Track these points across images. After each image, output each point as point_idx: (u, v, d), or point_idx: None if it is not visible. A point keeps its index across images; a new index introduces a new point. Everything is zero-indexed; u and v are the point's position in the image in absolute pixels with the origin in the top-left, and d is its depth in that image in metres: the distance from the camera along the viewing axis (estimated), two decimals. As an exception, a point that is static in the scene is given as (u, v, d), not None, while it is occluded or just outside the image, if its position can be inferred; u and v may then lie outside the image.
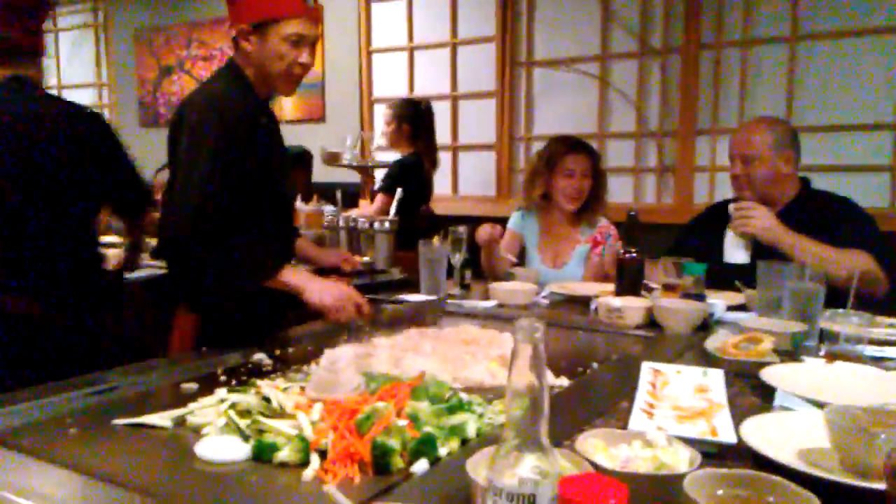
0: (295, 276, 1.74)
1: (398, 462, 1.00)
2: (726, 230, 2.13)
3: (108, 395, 1.33)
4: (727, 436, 1.07)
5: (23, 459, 1.01)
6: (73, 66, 5.49)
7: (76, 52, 5.46)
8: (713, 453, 1.02)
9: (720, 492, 0.84)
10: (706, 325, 1.84)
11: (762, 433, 1.05)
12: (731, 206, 2.15)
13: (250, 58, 1.75)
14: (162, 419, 1.17)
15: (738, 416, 1.14)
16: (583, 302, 2.14)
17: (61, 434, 1.14)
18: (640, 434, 0.99)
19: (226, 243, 1.65)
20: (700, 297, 1.89)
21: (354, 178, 4.24)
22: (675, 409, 1.20)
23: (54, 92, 5.59)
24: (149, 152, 3.92)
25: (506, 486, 0.71)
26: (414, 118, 3.41)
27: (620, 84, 3.51)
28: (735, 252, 2.07)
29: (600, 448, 0.95)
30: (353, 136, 3.67)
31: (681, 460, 0.92)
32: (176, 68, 4.84)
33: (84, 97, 5.49)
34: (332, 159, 3.60)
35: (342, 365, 1.21)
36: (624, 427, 1.10)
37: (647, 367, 1.39)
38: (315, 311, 1.73)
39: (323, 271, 2.15)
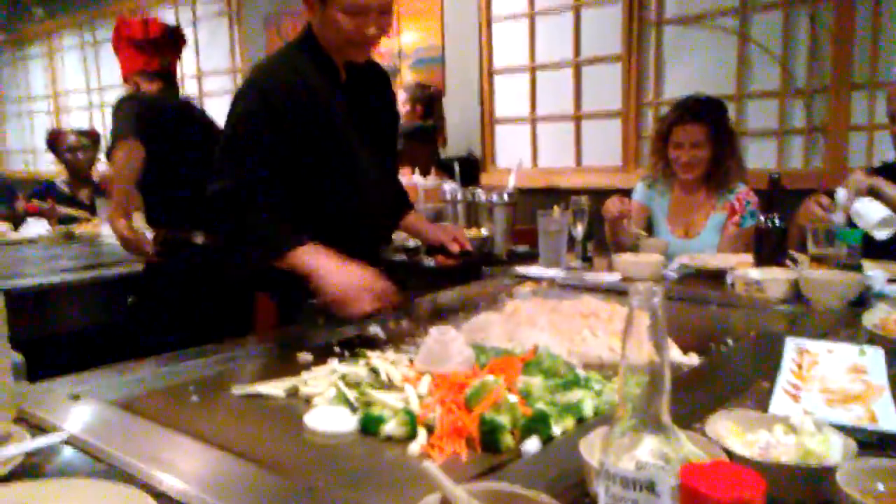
0: (306, 258, 1.52)
1: (508, 440, 0.94)
2: (853, 198, 1.84)
3: (230, 364, 1.37)
4: (889, 423, 0.92)
5: (146, 425, 1.04)
6: (210, 54, 5.79)
7: (212, 40, 5.75)
8: (871, 442, 0.88)
9: (881, 486, 0.72)
10: (863, 300, 1.63)
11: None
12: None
13: (314, 24, 1.65)
14: (275, 388, 1.17)
15: (903, 401, 0.98)
16: (717, 275, 1.97)
17: (183, 401, 1.17)
18: (783, 418, 0.87)
19: (246, 217, 1.57)
20: (856, 268, 1.68)
21: (475, 150, 4.20)
22: (825, 392, 1.06)
23: (194, 80, 5.95)
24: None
25: (621, 471, 0.63)
26: (424, 100, 3.72)
27: (762, 38, 3.20)
28: (881, 227, 1.79)
29: (735, 432, 0.84)
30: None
31: (832, 449, 0.80)
32: (303, 51, 4.99)
33: (220, 84, 5.80)
34: None
35: (452, 336, 1.17)
36: (763, 410, 0.97)
37: (791, 344, 1.24)
38: (325, 300, 1.52)
39: (432, 250, 2.05)
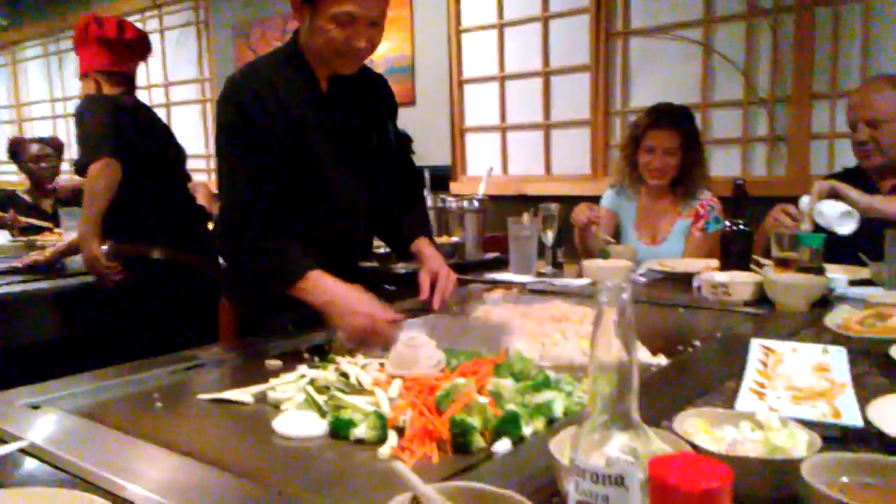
0: (320, 293, 1.46)
1: (479, 441, 0.94)
2: (815, 201, 1.87)
3: (195, 371, 1.35)
4: (851, 418, 0.94)
5: (110, 433, 1.02)
6: (178, 64, 5.73)
7: (180, 50, 5.69)
8: (835, 437, 0.90)
9: (845, 479, 0.73)
10: (825, 302, 1.67)
11: (893, 415, 0.91)
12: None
13: (302, 31, 1.58)
14: (244, 394, 1.16)
15: (864, 397, 1.01)
16: (684, 279, 2.00)
17: (147, 408, 1.15)
18: (749, 415, 0.88)
19: (258, 244, 1.51)
20: (819, 271, 1.72)
21: (444, 160, 4.21)
22: (790, 390, 1.08)
23: (161, 89, 5.87)
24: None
25: (590, 467, 0.63)
26: None
27: (726, 49, 3.27)
28: (842, 221, 1.83)
29: (702, 428, 0.85)
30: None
31: (798, 444, 0.81)
32: (272, 60, 4.96)
33: (188, 93, 5.73)
34: None
35: (422, 340, 1.16)
36: (730, 408, 0.99)
37: (757, 345, 1.26)
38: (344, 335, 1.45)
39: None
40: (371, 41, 1.54)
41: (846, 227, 1.80)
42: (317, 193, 1.61)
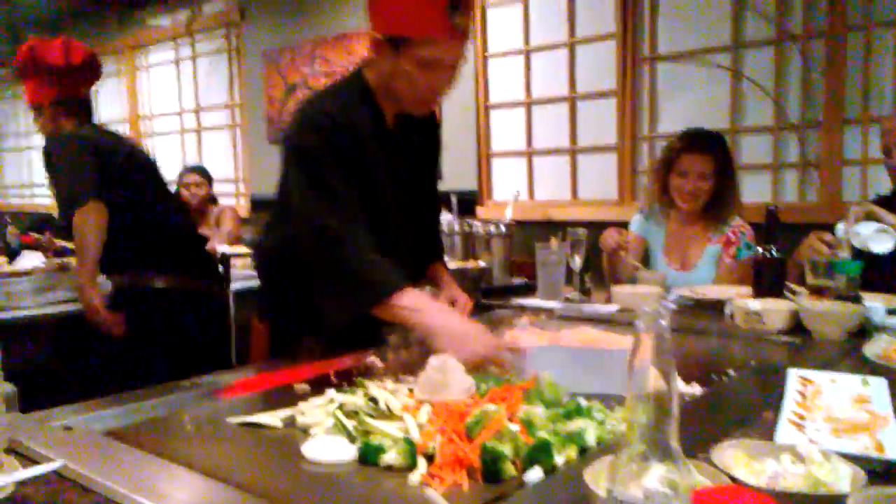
0: (422, 313, 1.41)
1: (510, 469, 0.92)
2: (854, 222, 1.84)
3: (225, 395, 1.35)
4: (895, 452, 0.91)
5: (140, 455, 1.02)
6: (210, 90, 5.85)
7: (212, 76, 5.81)
8: (879, 472, 0.87)
9: (894, 517, 0.70)
10: (863, 331, 1.63)
11: (941, 450, 0.89)
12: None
13: (380, 69, 1.54)
14: (273, 418, 1.16)
15: (909, 430, 0.97)
16: (715, 306, 1.97)
17: (178, 431, 1.15)
18: (790, 447, 0.86)
19: (353, 259, 1.46)
20: (855, 299, 1.68)
21: (471, 184, 4.22)
22: (829, 422, 1.05)
23: (193, 115, 5.98)
24: (276, 168, 4.10)
25: (629, 499, 0.61)
26: None
27: (755, 74, 3.25)
28: (878, 239, 1.78)
29: (742, 461, 0.83)
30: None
31: (841, 478, 0.79)
32: (300, 85, 5.03)
33: (219, 119, 5.84)
34: None
35: (452, 365, 1.15)
36: (769, 440, 0.96)
37: (794, 375, 1.23)
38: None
39: None
40: (450, 83, 1.53)
41: (883, 246, 1.76)
42: (374, 227, 1.56)
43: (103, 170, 2.36)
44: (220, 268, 2.76)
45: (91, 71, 2.59)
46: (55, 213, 4.17)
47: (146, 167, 2.63)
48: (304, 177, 1.52)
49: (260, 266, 1.86)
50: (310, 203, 1.51)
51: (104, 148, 2.47)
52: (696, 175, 2.43)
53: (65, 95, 2.49)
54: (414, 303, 1.43)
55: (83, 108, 2.57)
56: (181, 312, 2.48)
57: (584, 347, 1.47)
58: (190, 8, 5.17)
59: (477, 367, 1.30)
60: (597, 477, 0.77)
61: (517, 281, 2.60)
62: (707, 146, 2.46)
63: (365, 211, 1.55)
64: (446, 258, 2.68)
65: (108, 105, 6.78)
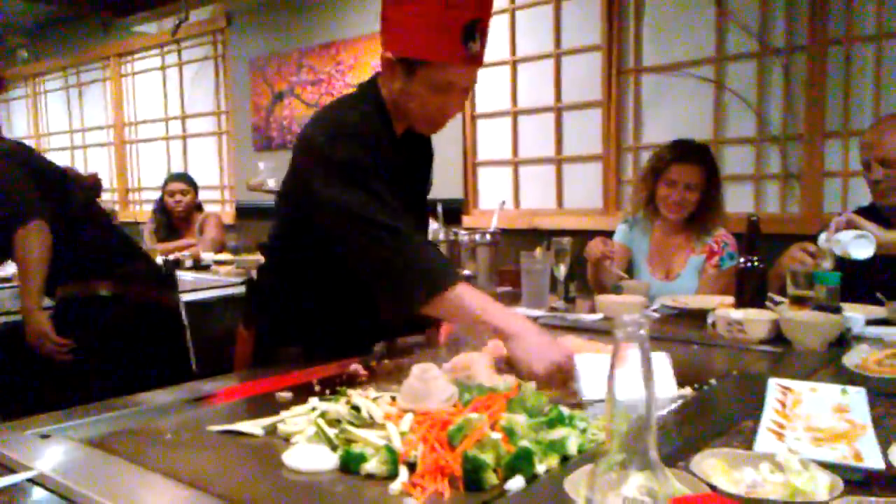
0: (489, 314, 1.39)
1: (491, 478, 0.92)
2: (835, 230, 1.86)
3: (205, 403, 1.34)
4: (873, 461, 0.92)
5: (119, 463, 1.01)
6: (196, 97, 5.82)
7: (198, 84, 5.79)
8: (857, 480, 0.88)
9: (870, 526, 0.71)
10: (842, 341, 1.64)
11: (918, 459, 0.90)
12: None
13: (392, 88, 1.54)
14: (254, 427, 1.15)
15: (885, 439, 0.98)
16: (698, 315, 1.98)
17: (157, 439, 1.14)
18: (769, 456, 0.87)
19: (403, 252, 1.44)
20: (835, 310, 1.70)
21: (457, 193, 4.22)
22: (809, 431, 1.06)
23: (179, 122, 5.95)
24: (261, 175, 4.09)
25: (607, 508, 0.61)
26: None
27: (738, 87, 3.28)
28: (858, 245, 1.80)
29: (721, 470, 0.83)
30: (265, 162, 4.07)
31: (819, 487, 0.80)
32: (287, 93, 5.02)
33: (205, 125, 5.82)
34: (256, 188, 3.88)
35: (435, 374, 1.15)
36: (748, 449, 0.97)
37: (774, 384, 1.24)
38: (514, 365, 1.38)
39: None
40: (461, 106, 1.55)
41: (863, 252, 1.77)
42: None
43: (39, 184, 2.28)
44: (167, 277, 2.67)
45: None
46: None
47: (68, 180, 2.53)
48: (348, 186, 1.47)
49: (270, 273, 1.81)
50: (360, 207, 1.46)
51: (36, 162, 2.40)
52: (683, 185, 2.45)
53: None
54: (478, 301, 1.41)
55: None
56: (129, 319, 2.38)
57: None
58: (177, 15, 5.15)
59: (550, 378, 1.29)
60: (576, 485, 0.77)
61: (502, 289, 2.60)
62: (696, 157, 2.49)
63: None
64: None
65: (93, 112, 6.75)
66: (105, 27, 6.15)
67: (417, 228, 1.76)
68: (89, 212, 2.53)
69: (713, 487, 0.78)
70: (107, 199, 6.68)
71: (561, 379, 1.32)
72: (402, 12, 1.47)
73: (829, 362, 1.49)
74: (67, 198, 2.41)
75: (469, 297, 1.42)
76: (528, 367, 1.33)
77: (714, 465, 0.84)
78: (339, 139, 1.50)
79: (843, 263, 1.84)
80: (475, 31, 1.45)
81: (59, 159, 7.15)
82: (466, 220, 4.14)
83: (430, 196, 3.76)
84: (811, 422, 1.10)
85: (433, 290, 1.41)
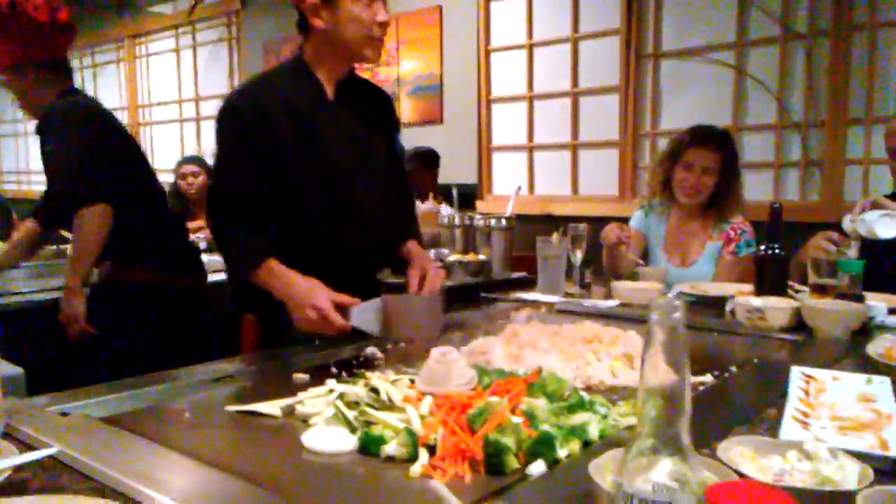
0: (277, 283, 1.53)
1: (513, 462, 0.91)
2: (863, 211, 1.84)
3: (224, 383, 1.34)
4: (902, 451, 0.90)
5: (138, 441, 1.01)
6: (209, 79, 5.82)
7: (212, 66, 5.78)
8: (884, 469, 0.86)
9: (903, 514, 0.70)
10: (865, 330, 1.62)
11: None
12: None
13: (323, 35, 1.62)
14: (272, 408, 1.14)
15: (914, 429, 0.96)
16: (716, 303, 1.96)
17: (175, 419, 1.14)
18: (796, 444, 0.85)
19: (220, 232, 1.63)
20: (858, 298, 1.67)
21: (471, 178, 4.20)
22: (834, 420, 1.04)
23: (192, 104, 5.95)
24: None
25: (637, 493, 0.60)
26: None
27: (759, 73, 3.24)
28: (883, 224, 1.77)
29: (748, 457, 0.82)
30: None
31: (849, 476, 0.78)
32: (301, 76, 5.01)
33: (218, 108, 5.80)
34: None
35: (454, 356, 1.14)
36: (773, 436, 0.95)
37: (797, 372, 1.22)
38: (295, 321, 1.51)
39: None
40: (387, 18, 1.64)
41: (888, 231, 1.75)
42: (331, 194, 1.67)
43: (108, 149, 2.24)
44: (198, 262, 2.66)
45: (72, 31, 2.40)
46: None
47: (139, 151, 2.51)
48: (217, 154, 1.65)
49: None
50: (216, 175, 1.68)
51: (110, 124, 2.34)
52: (700, 169, 2.42)
53: (49, 56, 2.30)
54: (268, 272, 1.54)
55: (67, 74, 2.39)
56: (161, 307, 2.37)
57: (391, 297, 1.59)
58: (191, -4, 5.15)
59: (309, 322, 1.45)
60: (602, 470, 0.76)
61: (517, 275, 2.59)
62: (713, 142, 2.45)
63: (315, 177, 1.64)
64: (447, 250, 2.67)
65: (106, 93, 6.75)
66: (119, 8, 6.14)
67: (392, 195, 1.82)
68: (149, 191, 2.48)
69: (741, 474, 0.77)
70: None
71: (320, 319, 1.44)
72: None
73: (852, 351, 1.47)
74: (134, 175, 2.38)
75: (267, 272, 1.55)
76: (294, 313, 1.49)
77: (742, 453, 0.83)
78: (224, 113, 1.65)
79: (865, 252, 1.81)
80: None
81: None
82: (480, 205, 4.13)
83: (444, 180, 3.74)
84: (836, 411, 1.08)
85: (240, 270, 1.60)
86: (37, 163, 4.50)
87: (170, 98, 6.17)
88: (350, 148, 1.69)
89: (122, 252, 2.33)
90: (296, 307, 1.48)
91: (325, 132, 1.65)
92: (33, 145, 7.73)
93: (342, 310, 1.47)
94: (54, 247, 3.53)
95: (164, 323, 2.37)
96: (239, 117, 1.61)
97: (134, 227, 2.32)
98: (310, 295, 1.47)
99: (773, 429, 1.00)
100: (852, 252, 1.78)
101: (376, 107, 1.82)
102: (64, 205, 2.24)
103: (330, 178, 1.66)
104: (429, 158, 3.60)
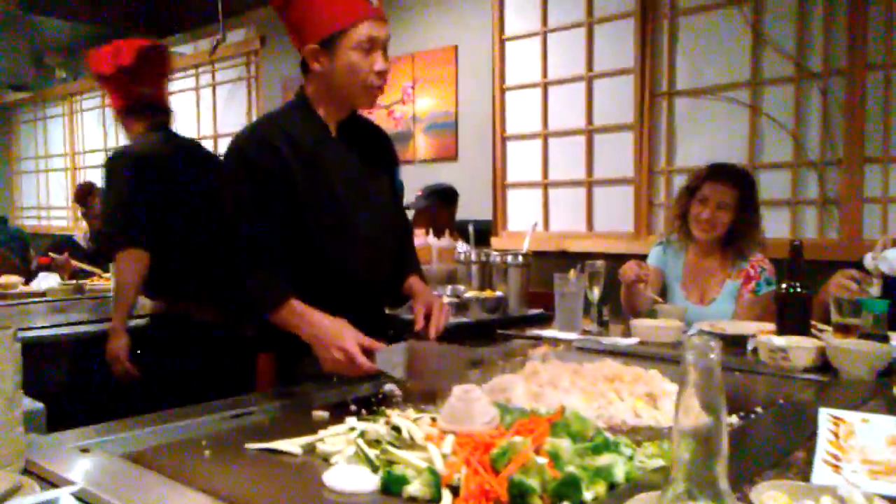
0: (300, 323, 1.52)
1: (538, 504, 0.89)
2: (885, 248, 1.83)
3: (243, 420, 1.33)
4: (938, 497, 0.88)
5: (158, 478, 1.00)
6: (228, 117, 5.91)
7: (230, 104, 5.88)
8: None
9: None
10: (891, 371, 1.59)
11: None
12: None
13: (323, 79, 1.65)
14: (292, 445, 1.14)
15: (950, 474, 0.94)
16: (736, 342, 1.94)
17: (196, 455, 1.13)
18: (830, 488, 0.83)
19: (238, 275, 1.61)
20: (883, 338, 1.65)
21: (486, 214, 4.21)
22: (865, 463, 1.02)
23: (211, 141, 6.04)
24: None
25: (673, 539, 0.59)
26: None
27: (774, 111, 3.25)
28: None
29: (783, 502, 0.80)
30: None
31: (886, 523, 0.76)
32: (318, 114, 5.07)
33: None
34: None
35: (476, 395, 1.13)
36: (805, 480, 0.93)
37: (825, 414, 1.20)
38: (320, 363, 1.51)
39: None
40: (386, 67, 1.65)
41: None
42: (338, 228, 1.68)
43: (157, 188, 2.32)
44: None
45: (152, 67, 2.48)
46: (76, 233, 4.18)
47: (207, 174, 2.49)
48: (228, 197, 1.65)
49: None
50: (232, 218, 1.63)
51: (162, 170, 2.38)
52: (715, 204, 2.42)
53: (129, 101, 2.43)
54: (290, 312, 1.54)
55: (151, 110, 2.47)
56: (205, 344, 2.40)
57: (416, 343, 1.58)
58: (214, 37, 5.24)
59: (335, 363, 1.44)
60: (632, 514, 0.75)
61: (533, 311, 2.57)
62: (731, 178, 2.46)
63: (323, 213, 1.65)
64: (463, 287, 2.67)
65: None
66: (142, 48, 6.27)
67: (396, 230, 1.86)
68: (192, 234, 2.46)
69: (774, 520, 0.75)
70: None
71: (347, 361, 1.43)
72: (305, 3, 1.62)
73: (879, 392, 1.44)
74: (176, 220, 2.40)
75: (289, 313, 1.54)
76: (320, 357, 1.47)
77: (775, 497, 0.81)
78: (231, 154, 1.66)
79: (888, 290, 1.79)
80: None
81: (94, 177, 7.31)
82: (495, 242, 4.13)
83: (459, 216, 3.74)
84: (866, 454, 1.06)
85: (262, 310, 1.59)
86: (56, 198, 4.56)
87: (189, 135, 6.27)
88: (354, 182, 1.72)
89: (162, 291, 2.40)
90: (322, 348, 1.47)
91: (329, 166, 1.68)
92: (53, 181, 7.89)
93: (368, 352, 1.45)
94: (74, 281, 3.56)
95: (203, 359, 2.39)
96: (245, 156, 1.63)
97: (173, 269, 2.39)
98: (337, 336, 1.45)
99: (803, 472, 0.98)
100: (875, 290, 1.76)
101: (377, 144, 1.85)
102: (104, 246, 2.32)
103: (335, 211, 1.68)
104: (448, 196, 3.62)
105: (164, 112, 2.56)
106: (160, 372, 2.34)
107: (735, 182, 2.46)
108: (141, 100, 2.46)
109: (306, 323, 1.51)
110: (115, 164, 2.39)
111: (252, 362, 2.39)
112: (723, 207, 2.42)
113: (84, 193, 4.23)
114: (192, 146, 2.71)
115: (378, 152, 1.83)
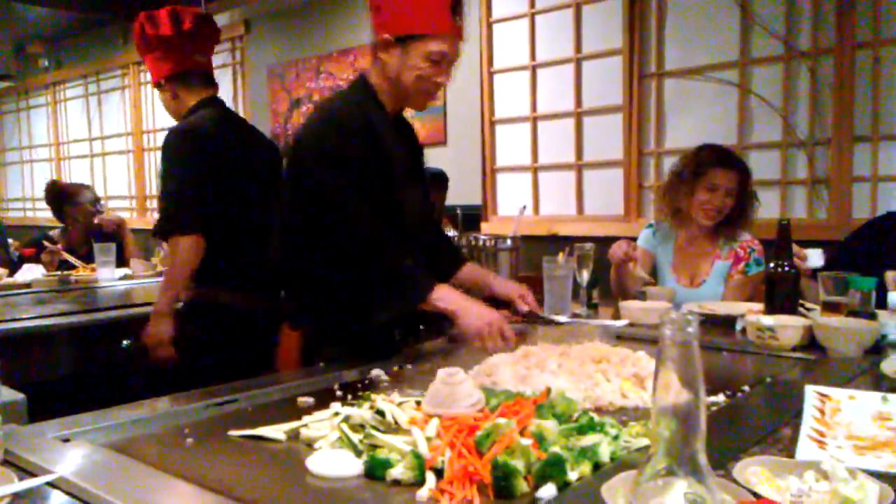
0: (448, 299, 1.61)
1: (522, 485, 0.89)
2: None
3: (227, 408, 1.32)
4: (922, 471, 0.88)
5: (140, 468, 0.99)
6: (215, 104, 5.86)
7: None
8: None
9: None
10: (878, 348, 1.59)
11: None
12: None
13: (386, 69, 1.68)
14: (276, 432, 1.13)
15: (935, 448, 0.94)
16: (726, 322, 1.94)
17: (178, 444, 1.12)
18: (814, 464, 0.83)
19: (392, 267, 1.63)
20: (870, 316, 1.65)
21: (475, 199, 4.20)
22: (851, 439, 1.02)
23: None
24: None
25: (653, 516, 0.58)
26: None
27: (763, 91, 3.24)
28: None
29: (765, 478, 0.80)
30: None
31: (869, 496, 0.76)
32: (305, 100, 5.03)
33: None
34: None
35: (460, 378, 1.12)
36: (789, 457, 0.93)
37: (811, 391, 1.20)
38: (464, 336, 1.65)
39: (496, 303, 1.88)
40: (448, 77, 1.70)
41: None
42: (393, 211, 1.72)
43: (208, 180, 2.26)
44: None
45: (206, 36, 2.44)
46: (54, 232, 4.07)
47: (256, 168, 2.43)
48: (345, 181, 1.62)
49: (287, 275, 1.84)
50: (356, 209, 1.63)
51: (219, 150, 2.31)
52: (724, 191, 2.40)
53: (181, 68, 2.36)
54: (441, 294, 1.62)
55: (203, 80, 2.42)
56: (236, 330, 2.32)
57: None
58: (196, 23, 5.18)
59: (485, 331, 1.57)
60: (614, 493, 0.74)
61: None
62: (735, 162, 2.44)
63: (392, 207, 1.70)
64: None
65: (112, 119, 6.81)
66: (124, 35, 6.20)
67: (428, 217, 1.96)
68: (243, 221, 2.39)
69: (757, 496, 0.75)
70: (124, 206, 6.73)
71: (496, 330, 1.58)
72: None
73: (867, 369, 1.45)
74: (230, 204, 2.33)
75: (441, 294, 1.63)
76: (469, 326, 1.59)
77: (757, 473, 0.81)
78: (336, 135, 1.64)
79: (873, 268, 1.80)
80: (460, 5, 1.66)
81: (78, 167, 7.24)
82: (485, 227, 4.12)
83: (448, 201, 3.72)
84: (852, 430, 1.06)
85: (415, 299, 1.63)
86: (40, 190, 4.49)
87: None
88: (406, 163, 1.78)
89: (206, 275, 2.31)
90: (474, 318, 1.59)
91: (393, 148, 1.73)
92: (37, 172, 7.80)
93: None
94: (59, 272, 3.53)
95: (241, 343, 2.32)
96: (342, 144, 1.61)
97: (222, 254, 2.31)
98: (485, 310, 1.62)
99: (788, 449, 0.98)
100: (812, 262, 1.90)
101: (411, 135, 1.92)
102: (161, 228, 2.28)
103: (394, 191, 1.73)
104: (439, 181, 3.59)
105: (213, 84, 2.49)
106: (187, 359, 2.26)
107: (740, 168, 2.44)
108: (196, 67, 2.40)
109: (457, 298, 1.63)
110: (178, 142, 2.30)
111: (273, 344, 2.34)
112: (729, 193, 2.40)
113: (58, 197, 3.91)
114: (248, 126, 2.65)
115: (413, 143, 1.90)
